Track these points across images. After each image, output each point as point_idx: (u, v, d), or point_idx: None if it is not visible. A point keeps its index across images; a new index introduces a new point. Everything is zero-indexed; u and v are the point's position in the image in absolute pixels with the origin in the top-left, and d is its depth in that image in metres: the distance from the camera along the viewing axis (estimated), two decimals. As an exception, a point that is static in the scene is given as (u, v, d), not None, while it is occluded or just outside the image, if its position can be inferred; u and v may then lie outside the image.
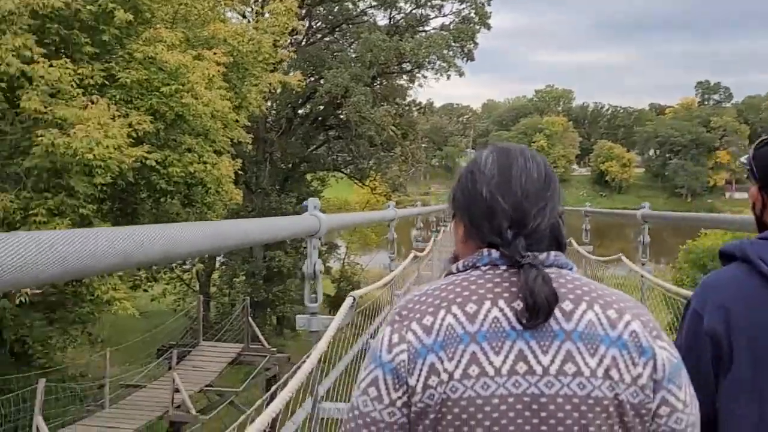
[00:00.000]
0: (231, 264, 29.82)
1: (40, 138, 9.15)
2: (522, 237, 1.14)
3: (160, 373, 17.38)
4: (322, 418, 3.38)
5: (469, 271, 1.18)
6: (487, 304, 1.12)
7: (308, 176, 32.74)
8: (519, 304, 1.10)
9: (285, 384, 2.34)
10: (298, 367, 2.60)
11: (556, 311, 1.10)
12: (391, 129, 28.70)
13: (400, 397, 1.12)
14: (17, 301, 9.24)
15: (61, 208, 9.92)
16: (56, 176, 9.87)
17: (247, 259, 28.98)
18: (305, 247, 3.66)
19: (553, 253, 1.17)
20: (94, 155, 9.29)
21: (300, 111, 30.22)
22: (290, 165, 30.31)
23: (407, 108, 33.04)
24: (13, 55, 9.35)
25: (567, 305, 1.11)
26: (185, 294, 32.43)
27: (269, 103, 28.94)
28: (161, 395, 14.78)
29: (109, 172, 9.78)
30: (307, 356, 2.76)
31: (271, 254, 27.95)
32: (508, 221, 1.15)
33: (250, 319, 18.76)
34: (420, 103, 35.23)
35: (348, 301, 3.32)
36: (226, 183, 12.94)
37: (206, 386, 16.43)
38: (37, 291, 9.40)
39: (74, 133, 9.13)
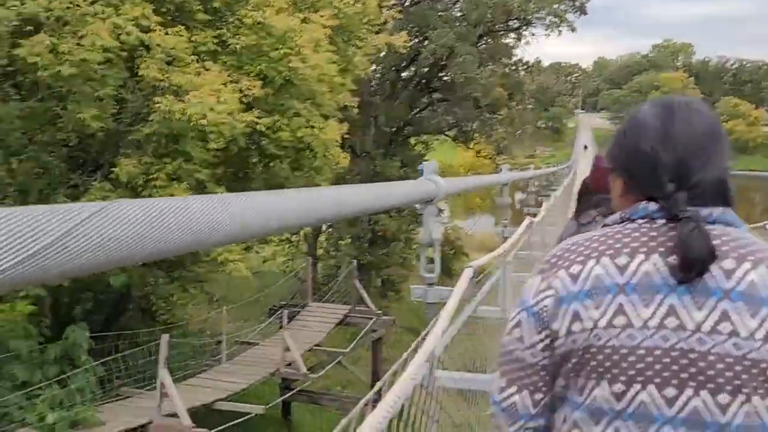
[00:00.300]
0: (337, 227, 30.40)
1: (157, 105, 9.45)
2: (684, 191, 1.12)
3: (272, 332, 18.02)
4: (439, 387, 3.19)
5: (624, 223, 1.18)
6: (640, 257, 1.12)
7: (412, 140, 32.54)
8: (674, 259, 1.09)
9: (404, 363, 2.13)
10: (418, 345, 2.39)
11: (716, 269, 1.08)
12: (496, 90, 27.81)
13: (542, 340, 1.17)
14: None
15: (179, 173, 10.27)
16: (174, 142, 10.21)
17: (353, 223, 29.40)
18: (420, 213, 3.44)
19: (718, 209, 1.14)
20: (207, 121, 9.49)
21: (404, 74, 29.89)
22: (394, 129, 30.19)
23: (513, 68, 31.91)
24: (132, 25, 9.66)
25: (728, 263, 1.09)
26: (294, 255, 33.52)
27: (374, 67, 28.84)
28: (273, 353, 15.31)
29: (222, 137, 9.98)
30: (426, 333, 2.54)
31: (375, 218, 28.16)
32: (669, 175, 1.13)
33: (357, 281, 19.00)
34: (527, 62, 33.90)
35: (468, 272, 3.05)
36: (332, 147, 12.94)
37: (315, 346, 16.87)
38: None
39: (188, 99, 9.36)
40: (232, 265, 11.15)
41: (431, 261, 3.15)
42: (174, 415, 10.72)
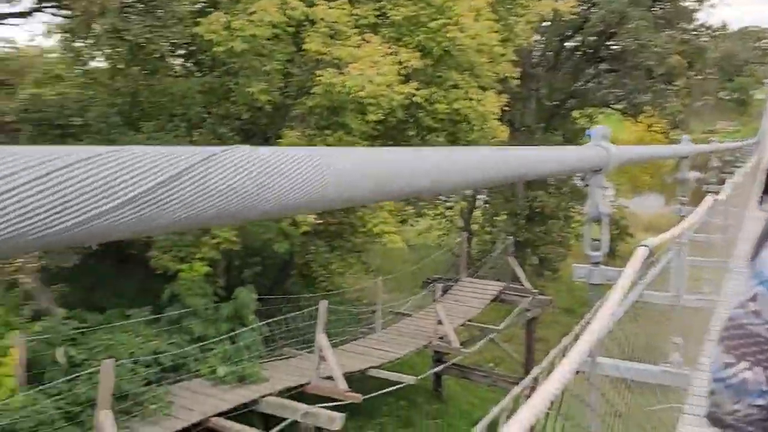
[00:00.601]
0: (493, 203, 29.87)
1: (319, 78, 9.70)
2: None
3: (425, 304, 18.18)
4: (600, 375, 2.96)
5: None
6: None
7: (575, 113, 30.97)
8: None
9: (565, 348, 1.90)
10: (581, 330, 2.12)
11: None
12: (674, 58, 25.48)
13: None
14: (301, 230, 10.13)
15: (339, 145, 10.51)
16: (334, 114, 10.46)
17: (509, 198, 28.70)
18: (586, 185, 3.10)
19: None
20: (366, 93, 9.58)
21: (569, 43, 28.37)
22: (556, 102, 28.88)
23: (694, 33, 29.04)
24: (298, 0, 9.97)
25: None
26: (449, 230, 33.54)
27: (537, 36, 27.66)
28: (425, 325, 15.42)
29: (380, 109, 10.03)
30: (590, 316, 2.26)
31: (533, 194, 27.29)
32: None
33: (512, 258, 18.54)
34: (710, 26, 30.70)
35: (642, 251, 2.66)
36: (490, 119, 12.57)
37: (468, 321, 16.75)
38: (319, 221, 10.20)
39: (348, 71, 9.49)
40: (387, 237, 11.28)
41: (597, 239, 2.79)
42: (330, 378, 11.17)
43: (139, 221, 0.71)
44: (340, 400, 10.88)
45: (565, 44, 28.28)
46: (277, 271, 17.10)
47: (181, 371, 10.06)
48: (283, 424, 9.61)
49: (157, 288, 11.56)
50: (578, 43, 28.91)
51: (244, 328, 10.90)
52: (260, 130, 11.65)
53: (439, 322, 14.72)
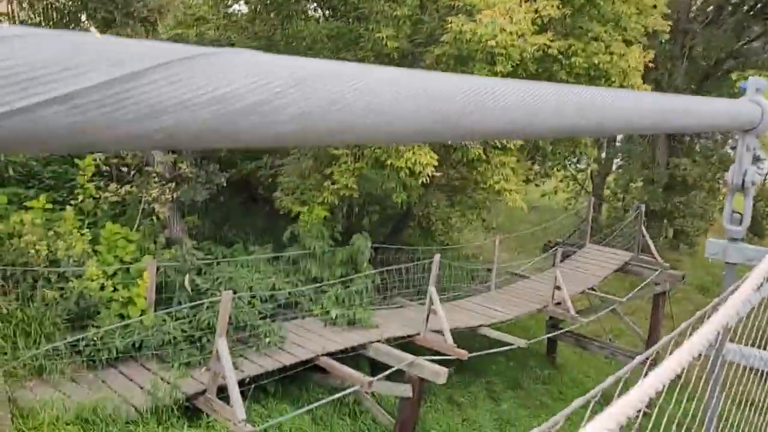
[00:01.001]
0: (627, 168, 28.14)
1: (450, 25, 9.33)
2: None
3: (545, 268, 17.62)
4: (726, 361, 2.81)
5: None
6: None
7: (734, 75, 28.10)
8: None
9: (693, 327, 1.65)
10: (710, 312, 1.82)
11: None
12: None
13: None
14: (420, 181, 9.99)
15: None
16: (461, 64, 10.09)
17: (647, 165, 26.88)
18: (733, 147, 2.64)
19: None
20: (496, 42, 9.11)
21: (734, -3, 25.56)
22: (712, 62, 26.32)
23: None
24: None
25: None
26: (578, 193, 32.18)
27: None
28: (542, 289, 14.94)
29: (510, 60, 9.53)
30: (722, 298, 1.93)
31: (675, 161, 25.36)
32: None
33: (643, 227, 17.40)
34: None
35: None
36: (633, 76, 11.60)
37: (588, 289, 16.05)
38: (438, 173, 10.00)
39: (480, 19, 9.05)
40: (508, 196, 10.88)
41: (740, 210, 2.38)
42: (439, 332, 11.15)
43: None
44: (447, 355, 10.86)
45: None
46: (396, 221, 17.21)
47: (295, 309, 10.45)
48: (389, 371, 9.74)
49: (280, 228, 12.00)
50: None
51: (358, 274, 11.07)
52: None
53: (557, 288, 14.19)
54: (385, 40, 9.68)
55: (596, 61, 11.00)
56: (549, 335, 15.89)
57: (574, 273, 16.62)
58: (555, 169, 16.11)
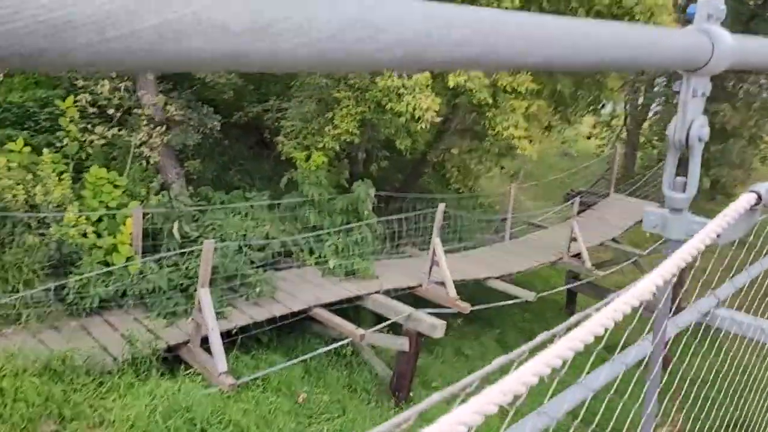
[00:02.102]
0: (664, 113, 26.74)
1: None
2: None
3: (566, 217, 16.91)
4: (715, 327, 2.81)
5: None
6: None
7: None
8: None
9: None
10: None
11: None
12: None
13: None
14: (420, 126, 9.34)
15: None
16: None
17: (684, 110, 25.45)
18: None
19: None
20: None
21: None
22: (760, 0, 24.47)
23: None
24: None
25: None
26: (611, 140, 30.92)
27: None
28: (559, 240, 14.27)
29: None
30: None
31: (714, 108, 23.91)
32: None
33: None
34: None
35: (747, 198, 1.77)
36: (661, 13, 10.57)
37: (610, 240, 15.34)
38: (441, 118, 9.32)
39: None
40: (518, 143, 10.18)
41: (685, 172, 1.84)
42: (442, 284, 10.69)
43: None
44: (449, 308, 10.45)
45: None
46: (412, 168, 16.62)
47: (292, 258, 10.10)
48: (382, 324, 9.38)
49: (284, 174, 11.57)
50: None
51: (358, 223, 10.62)
52: None
53: (573, 239, 13.53)
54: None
55: (619, -2, 10.01)
56: (565, 287, 15.31)
57: (595, 223, 15.89)
58: (578, 115, 15.16)
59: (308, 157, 10.38)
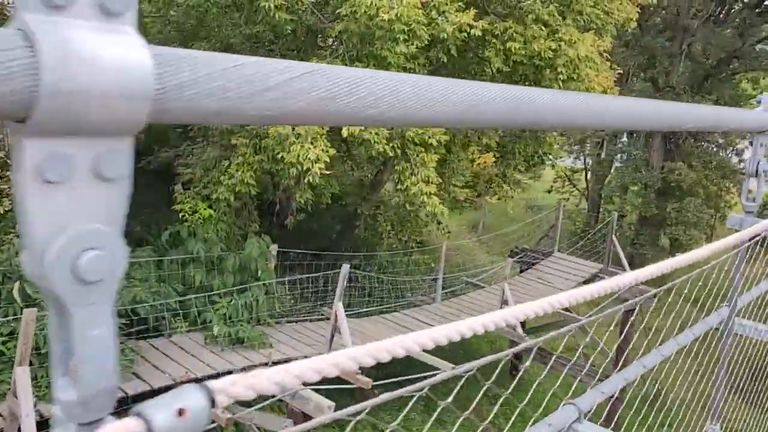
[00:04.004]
0: (623, 170, 26.05)
1: (347, -2, 7.54)
2: None
3: (512, 274, 15.80)
4: (735, 334, 3.33)
5: None
6: None
7: (739, 77, 25.83)
8: None
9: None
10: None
11: None
12: None
13: None
14: (307, 180, 8.21)
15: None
16: (367, 43, 8.27)
17: (639, 169, 24.76)
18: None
19: None
20: (396, 17, 7.28)
21: (739, -9, 23.25)
22: (714, 62, 24.07)
23: None
24: None
25: None
26: (571, 194, 30.19)
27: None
28: (495, 302, 13.09)
29: (416, 40, 7.70)
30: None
31: (670, 165, 23.25)
32: None
33: (614, 237, 15.42)
34: None
35: None
36: (585, 68, 9.67)
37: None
38: (328, 172, 8.20)
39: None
40: (426, 200, 9.08)
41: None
42: (342, 354, 9.40)
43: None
44: (349, 382, 9.15)
45: (734, -8, 23.19)
46: (344, 221, 15.50)
47: (163, 325, 8.76)
48: (265, 403, 8.04)
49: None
50: (752, -8, 23.71)
51: (255, 283, 9.37)
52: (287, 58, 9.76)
53: (505, 302, 12.36)
54: (273, 10, 7.88)
55: (537, 48, 9.10)
56: (508, 351, 14.05)
57: (534, 285, 14.77)
58: (516, 168, 14.20)
59: (194, 210, 9.20)
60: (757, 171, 3.04)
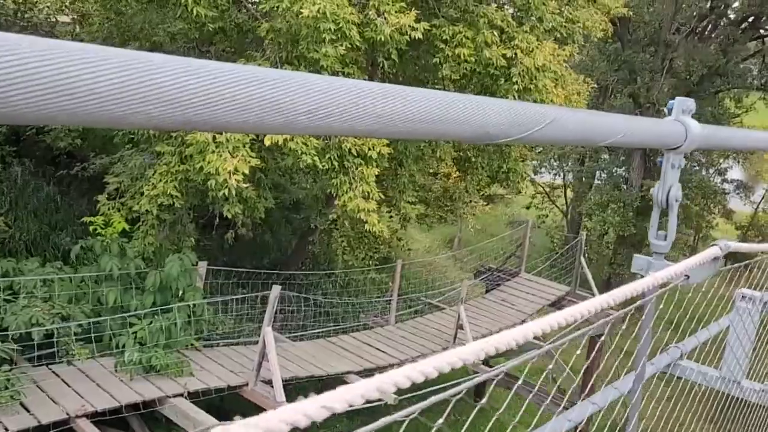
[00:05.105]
0: (603, 188, 25.46)
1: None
2: None
3: (473, 295, 15.05)
4: (678, 377, 3.17)
5: None
6: None
7: (722, 95, 25.38)
8: None
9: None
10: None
11: None
12: None
13: None
14: (222, 192, 7.43)
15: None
16: (296, 44, 7.53)
17: (618, 186, 24.19)
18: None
19: None
20: (319, 12, 6.54)
21: (722, 6, 22.76)
22: (696, 78, 23.58)
23: None
24: None
25: None
26: (551, 210, 29.60)
27: (680, -6, 22.36)
28: (450, 326, 12.31)
29: (346, 40, 6.96)
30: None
31: (649, 184, 22.65)
32: None
33: (582, 259, 14.70)
34: None
35: (711, 251, 2.24)
36: (542, 78, 8.97)
37: (511, 326, 13.41)
38: (247, 185, 7.40)
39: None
40: (366, 217, 8.31)
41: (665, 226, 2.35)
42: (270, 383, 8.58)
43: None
44: (275, 416, 8.33)
45: (718, 7, 22.68)
46: (299, 236, 14.72)
47: (69, 349, 7.90)
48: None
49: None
50: (737, 8, 23.25)
51: (177, 304, 8.54)
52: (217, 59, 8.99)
53: (460, 327, 11.60)
54: (191, 4, 7.12)
55: (489, 55, 8.39)
56: (471, 378, 13.26)
57: (498, 307, 14.01)
58: (479, 185, 13.45)
59: (107, 223, 8.38)
60: (667, 200, 2.34)
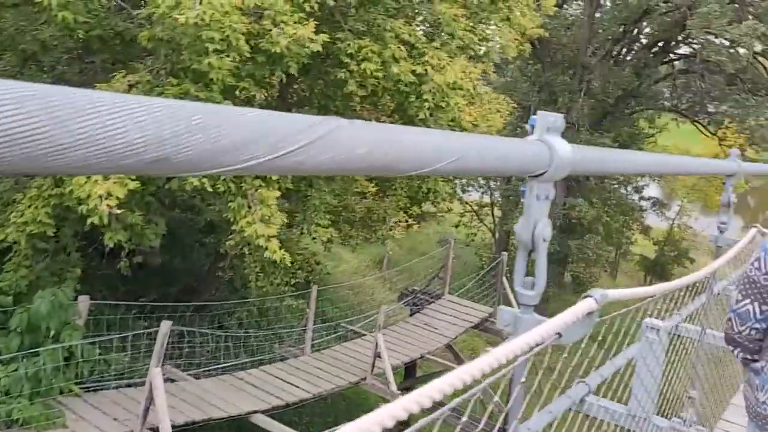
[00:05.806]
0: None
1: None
2: None
3: (396, 320, 14.44)
4: (586, 415, 2.90)
5: None
6: None
7: (636, 116, 26.03)
8: None
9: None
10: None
11: None
12: (756, 59, 20.23)
13: None
14: (91, 220, 6.52)
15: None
16: (180, 55, 6.74)
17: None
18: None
19: None
20: (200, 19, 5.78)
21: (634, 31, 23.32)
22: (612, 99, 24.04)
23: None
24: None
25: None
26: (479, 229, 29.45)
27: (597, 15, 22.81)
28: (368, 354, 11.59)
29: (233, 51, 6.23)
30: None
31: (572, 203, 22.83)
32: None
33: (504, 279, 14.35)
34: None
35: (585, 305, 1.71)
36: (454, 96, 8.48)
37: (433, 351, 12.86)
38: (118, 211, 6.50)
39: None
40: (265, 242, 7.54)
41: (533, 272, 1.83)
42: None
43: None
44: (163, 469, 7.39)
45: (631, 31, 23.22)
46: (212, 261, 13.74)
47: None
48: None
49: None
50: (649, 33, 23.90)
51: (48, 347, 7.46)
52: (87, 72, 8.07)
53: (378, 355, 10.92)
54: (56, 9, 6.23)
55: (396, 71, 7.82)
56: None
57: (420, 331, 13.43)
58: (397, 205, 12.90)
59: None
60: (533, 239, 1.85)
